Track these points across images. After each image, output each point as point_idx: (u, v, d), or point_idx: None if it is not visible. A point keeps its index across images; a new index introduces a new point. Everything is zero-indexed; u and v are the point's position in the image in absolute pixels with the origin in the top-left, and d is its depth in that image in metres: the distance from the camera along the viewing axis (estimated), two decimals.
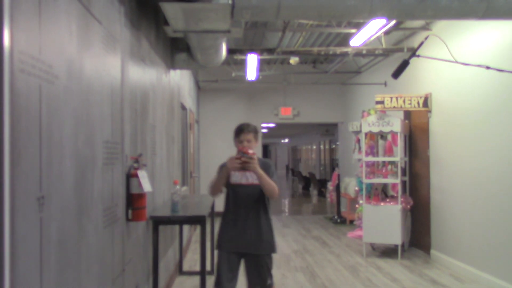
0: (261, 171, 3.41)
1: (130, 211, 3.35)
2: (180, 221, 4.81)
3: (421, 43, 3.17)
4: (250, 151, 3.39)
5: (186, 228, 7.37)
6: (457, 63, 3.20)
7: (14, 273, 1.59)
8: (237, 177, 3.60)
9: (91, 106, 2.50)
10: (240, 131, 3.61)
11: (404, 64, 3.24)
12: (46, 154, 1.89)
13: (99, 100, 2.66)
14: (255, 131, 3.65)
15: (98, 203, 2.64)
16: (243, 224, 3.55)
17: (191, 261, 6.93)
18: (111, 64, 2.95)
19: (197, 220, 4.45)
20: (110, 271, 2.87)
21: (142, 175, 3.42)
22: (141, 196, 3.41)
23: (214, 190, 3.61)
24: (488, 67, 3.17)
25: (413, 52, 3.17)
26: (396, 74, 3.30)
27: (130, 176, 3.36)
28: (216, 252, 3.70)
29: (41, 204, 1.83)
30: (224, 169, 3.51)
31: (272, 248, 3.62)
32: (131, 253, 3.48)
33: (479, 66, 3.19)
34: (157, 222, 4.30)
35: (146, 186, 3.42)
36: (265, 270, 3.60)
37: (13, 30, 1.61)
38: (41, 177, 1.84)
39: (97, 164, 2.62)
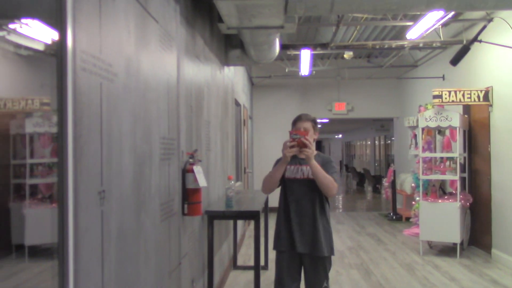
0: (314, 162, 3.21)
1: (186, 206, 3.42)
2: (234, 216, 4.86)
3: (484, 27, 3.00)
4: (302, 130, 3.26)
5: (240, 223, 7.43)
6: None
7: (77, 264, 1.65)
8: (292, 172, 3.40)
9: (148, 103, 2.57)
10: (298, 118, 3.49)
11: (465, 50, 3.06)
12: (107, 150, 1.96)
13: (155, 97, 2.72)
14: (314, 120, 3.51)
15: (155, 197, 2.70)
16: (299, 223, 3.35)
17: (245, 256, 6.99)
18: (167, 62, 3.01)
19: (251, 216, 4.48)
20: (167, 264, 2.94)
21: (198, 170, 3.47)
22: (197, 191, 3.47)
23: (268, 185, 3.41)
24: None
25: (475, 37, 3.00)
26: (455, 60, 3.14)
27: (186, 171, 3.42)
28: (274, 252, 3.53)
29: (102, 198, 1.90)
30: (280, 162, 3.35)
31: (329, 250, 3.39)
32: (187, 247, 3.55)
33: None
34: (212, 216, 4.36)
35: (201, 181, 3.47)
36: (321, 272, 3.40)
37: (76, 31, 1.67)
38: (102, 172, 1.90)
39: (154, 160, 2.69)
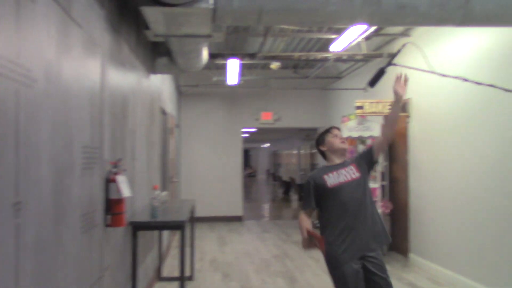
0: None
1: (109, 217, 3.32)
2: (160, 226, 4.78)
3: (398, 52, 3.14)
4: (318, 236, 3.34)
5: (166, 233, 7.32)
6: (434, 73, 3.18)
7: None
8: (334, 179, 3.31)
9: (70, 111, 2.47)
10: (329, 128, 3.51)
11: (380, 73, 3.19)
12: (23, 159, 1.86)
13: (78, 104, 2.63)
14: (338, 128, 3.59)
15: (76, 208, 2.60)
16: (361, 222, 3.22)
17: (171, 267, 6.88)
18: (90, 68, 2.92)
19: (177, 226, 4.42)
20: (88, 278, 2.83)
21: (122, 180, 3.39)
22: (120, 201, 3.38)
23: (304, 222, 3.43)
24: (465, 79, 3.20)
25: (389, 61, 3.13)
26: (372, 83, 3.26)
27: (109, 181, 3.33)
28: (336, 272, 3.26)
29: (17, 209, 1.80)
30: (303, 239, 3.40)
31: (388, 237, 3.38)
32: (109, 259, 3.44)
33: (456, 77, 3.20)
34: (136, 227, 4.26)
35: (125, 191, 3.39)
36: (384, 264, 3.31)
37: None
38: (17, 182, 1.81)
39: (76, 169, 2.59)
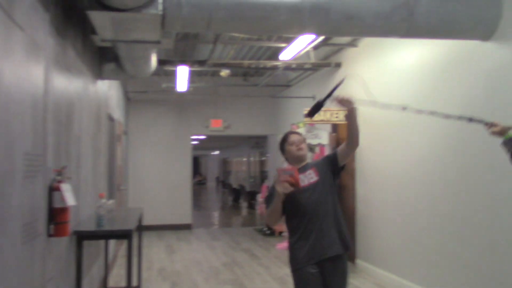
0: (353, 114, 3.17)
1: (52, 226, 3.21)
2: (106, 235, 4.67)
3: (337, 85, 3.15)
4: (289, 167, 3.22)
5: (112, 242, 7.15)
6: (376, 105, 3.25)
7: None
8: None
9: (10, 117, 2.38)
10: (288, 134, 3.47)
11: (318, 106, 3.21)
12: None
13: (19, 110, 2.54)
14: (304, 137, 3.52)
15: (17, 218, 2.50)
16: (321, 227, 3.22)
17: (118, 276, 6.73)
18: (33, 73, 2.83)
19: (124, 235, 4.33)
20: None
21: (66, 188, 3.29)
22: (64, 210, 3.27)
23: (274, 218, 3.32)
24: (404, 108, 3.33)
25: (328, 94, 3.14)
26: (310, 114, 3.28)
27: (53, 189, 3.22)
28: (294, 275, 3.30)
29: None
30: (276, 197, 3.20)
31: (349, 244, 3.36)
32: (52, 270, 3.33)
33: (396, 106, 3.33)
34: (81, 237, 4.15)
35: (70, 200, 3.29)
36: (347, 272, 3.34)
37: None
38: None
39: (16, 177, 2.49)
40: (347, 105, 3.12)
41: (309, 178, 3.31)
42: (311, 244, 3.23)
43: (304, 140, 3.46)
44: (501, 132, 2.90)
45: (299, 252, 3.26)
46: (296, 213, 3.29)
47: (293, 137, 3.43)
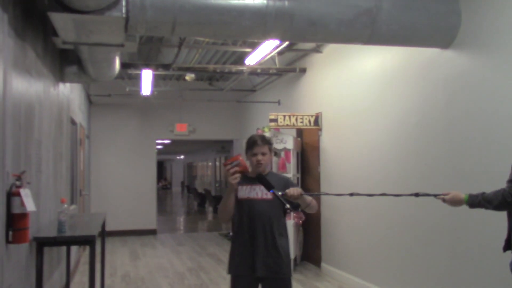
0: (304, 197, 3.06)
1: (10, 233, 3.12)
2: (67, 241, 4.57)
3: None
4: (240, 158, 3.08)
5: (74, 249, 7.01)
6: (324, 193, 3.27)
7: None
8: (245, 192, 3.20)
9: None
10: (254, 143, 3.23)
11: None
12: None
13: None
14: (270, 143, 3.30)
15: None
16: (258, 244, 3.13)
17: (80, 283, 6.59)
18: None
19: (86, 241, 4.25)
20: None
21: (25, 193, 3.21)
22: (24, 216, 3.19)
23: (224, 213, 3.19)
24: (351, 194, 3.37)
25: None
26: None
27: (12, 194, 3.13)
28: (229, 278, 3.27)
29: None
30: (228, 189, 3.13)
31: (290, 271, 3.23)
32: (11, 278, 3.23)
33: (344, 194, 3.43)
34: (42, 243, 4.04)
35: (30, 205, 3.21)
36: None
37: None
38: None
39: None
40: (296, 197, 3.02)
41: (263, 193, 3.17)
42: (246, 257, 3.16)
43: (269, 148, 3.28)
44: (455, 199, 3.01)
45: (233, 260, 3.23)
46: (241, 222, 3.21)
47: (257, 149, 3.23)
